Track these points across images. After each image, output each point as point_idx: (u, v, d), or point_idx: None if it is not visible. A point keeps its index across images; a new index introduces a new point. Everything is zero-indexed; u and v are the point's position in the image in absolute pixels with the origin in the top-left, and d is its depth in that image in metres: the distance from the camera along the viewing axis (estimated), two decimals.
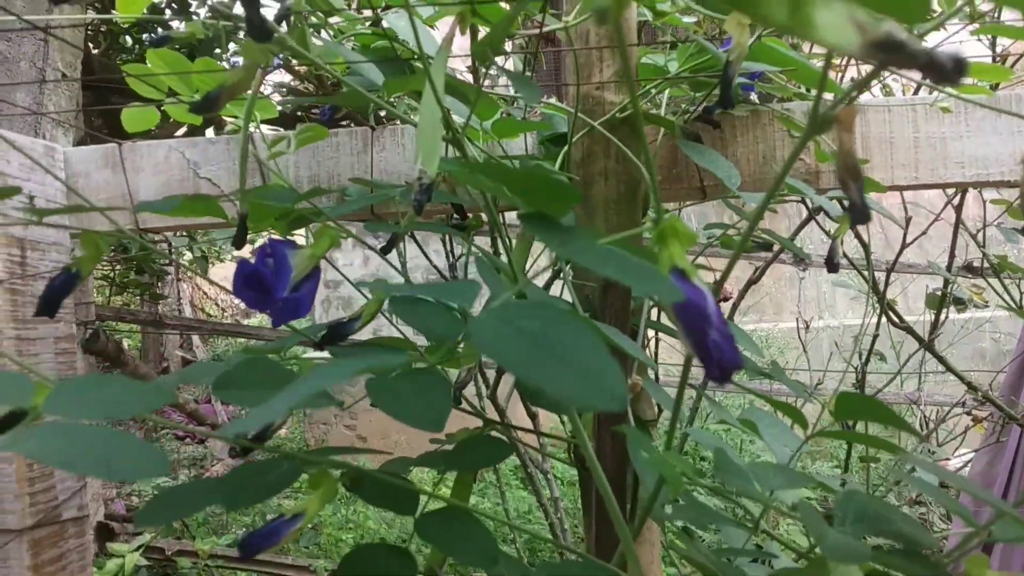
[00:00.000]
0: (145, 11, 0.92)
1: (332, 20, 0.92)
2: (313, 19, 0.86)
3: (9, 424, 0.45)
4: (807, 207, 1.90)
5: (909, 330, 1.88)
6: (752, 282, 2.01)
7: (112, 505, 3.47)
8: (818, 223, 1.91)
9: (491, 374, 1.80)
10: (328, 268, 1.30)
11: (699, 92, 0.97)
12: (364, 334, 0.69)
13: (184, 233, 3.06)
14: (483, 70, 1.10)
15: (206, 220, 1.03)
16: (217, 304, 8.04)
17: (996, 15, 1.34)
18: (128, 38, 3.49)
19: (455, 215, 0.98)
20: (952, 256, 1.95)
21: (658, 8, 0.82)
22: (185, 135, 2.99)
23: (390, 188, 0.86)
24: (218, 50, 3.18)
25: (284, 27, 0.68)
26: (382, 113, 1.68)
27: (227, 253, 2.90)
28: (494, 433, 0.80)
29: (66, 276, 0.65)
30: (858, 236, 1.75)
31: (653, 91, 0.94)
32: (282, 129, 1.02)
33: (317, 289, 0.64)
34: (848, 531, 0.50)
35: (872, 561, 0.46)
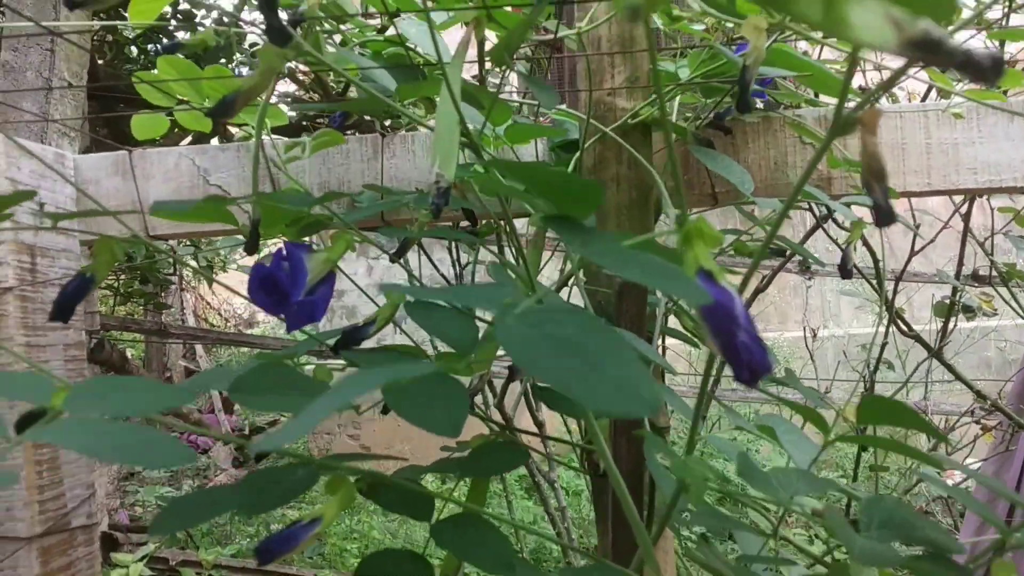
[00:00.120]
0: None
1: (343, 27, 0.92)
2: (326, 25, 0.85)
3: (29, 423, 0.45)
4: (814, 215, 1.90)
5: (918, 338, 1.87)
6: (759, 291, 2.00)
7: (116, 515, 3.46)
8: (825, 231, 1.90)
9: (498, 383, 1.80)
10: None
11: (710, 98, 0.97)
12: (367, 342, 0.69)
13: (189, 242, 3.06)
14: (493, 75, 1.10)
15: (216, 227, 1.03)
16: (220, 314, 8.04)
17: (1004, 22, 1.34)
18: (134, 48, 3.50)
19: (466, 221, 0.97)
20: (960, 264, 1.94)
21: (674, 14, 0.81)
22: (191, 144, 2.99)
23: (402, 194, 0.86)
24: (223, 60, 3.19)
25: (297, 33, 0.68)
26: (387, 123, 1.68)
27: (232, 263, 2.90)
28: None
29: (80, 281, 0.65)
30: (867, 244, 1.75)
31: (665, 97, 0.94)
32: (286, 139, 1.02)
33: (332, 293, 0.64)
34: (874, 536, 0.50)
35: (902, 566, 0.46)
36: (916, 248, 1.84)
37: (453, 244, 2.06)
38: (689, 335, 0.90)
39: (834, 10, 0.27)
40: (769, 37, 0.69)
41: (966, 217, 1.82)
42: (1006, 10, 1.31)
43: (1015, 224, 1.82)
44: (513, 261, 1.18)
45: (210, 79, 0.92)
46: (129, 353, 4.17)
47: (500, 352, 0.87)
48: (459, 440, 0.80)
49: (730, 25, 0.92)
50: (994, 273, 2.01)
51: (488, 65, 0.81)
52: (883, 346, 1.81)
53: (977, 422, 2.18)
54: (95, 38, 3.43)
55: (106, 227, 0.99)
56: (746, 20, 0.63)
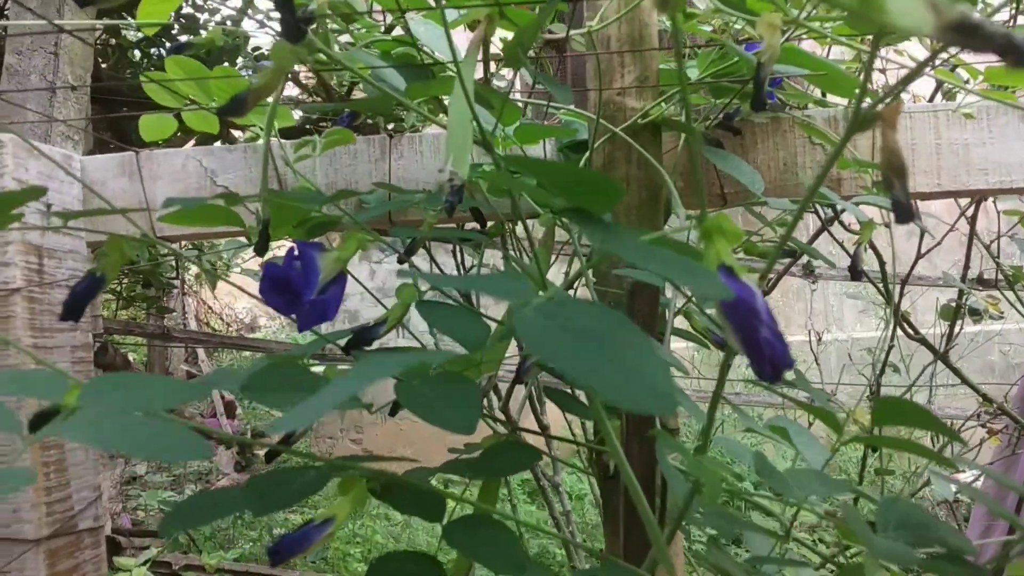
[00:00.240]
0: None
1: (351, 27, 0.92)
2: (333, 25, 0.85)
3: (43, 421, 0.44)
4: (819, 217, 1.90)
5: (923, 342, 1.86)
6: (764, 294, 1.99)
7: (118, 519, 3.45)
8: (830, 233, 1.90)
9: (502, 386, 1.80)
10: None
11: (719, 99, 0.97)
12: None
13: (191, 246, 3.06)
14: (497, 77, 1.09)
15: (222, 229, 1.03)
16: (222, 318, 8.03)
17: (1012, 23, 1.33)
18: (137, 52, 3.51)
19: (474, 222, 0.97)
20: (966, 268, 1.94)
21: (688, 11, 0.81)
22: (195, 146, 2.99)
23: (411, 194, 0.86)
24: (227, 63, 3.19)
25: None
26: (390, 125, 1.67)
27: (236, 266, 2.90)
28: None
29: (90, 281, 0.64)
30: (873, 248, 1.75)
31: (675, 97, 0.93)
32: (290, 141, 1.02)
33: (344, 292, 0.64)
34: (891, 537, 0.49)
35: (919, 566, 0.45)
36: (923, 251, 1.84)
37: (457, 248, 2.06)
38: (699, 336, 0.90)
39: None
40: (783, 36, 0.68)
41: (972, 220, 1.82)
42: (1013, 11, 1.31)
43: (1021, 227, 1.81)
44: (518, 261, 1.18)
45: (218, 78, 0.92)
46: (131, 357, 4.16)
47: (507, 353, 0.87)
48: (467, 442, 0.80)
49: (738, 26, 0.92)
50: (999, 276, 2.01)
51: (493, 67, 0.80)
52: (888, 349, 1.81)
53: (983, 426, 2.17)
54: (98, 41, 3.43)
55: (113, 228, 0.99)
56: (760, 17, 0.62)
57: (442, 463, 0.74)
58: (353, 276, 0.76)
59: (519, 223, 0.86)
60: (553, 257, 1.12)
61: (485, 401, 2.09)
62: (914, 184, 1.00)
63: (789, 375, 0.88)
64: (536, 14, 0.72)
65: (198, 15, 3.60)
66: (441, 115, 1.01)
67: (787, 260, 1.79)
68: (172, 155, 1.03)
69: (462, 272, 2.14)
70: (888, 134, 0.47)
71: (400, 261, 1.00)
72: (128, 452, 0.39)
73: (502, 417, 1.66)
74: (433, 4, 0.78)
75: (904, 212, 0.47)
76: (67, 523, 0.91)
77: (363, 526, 3.60)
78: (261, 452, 5.18)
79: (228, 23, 3.24)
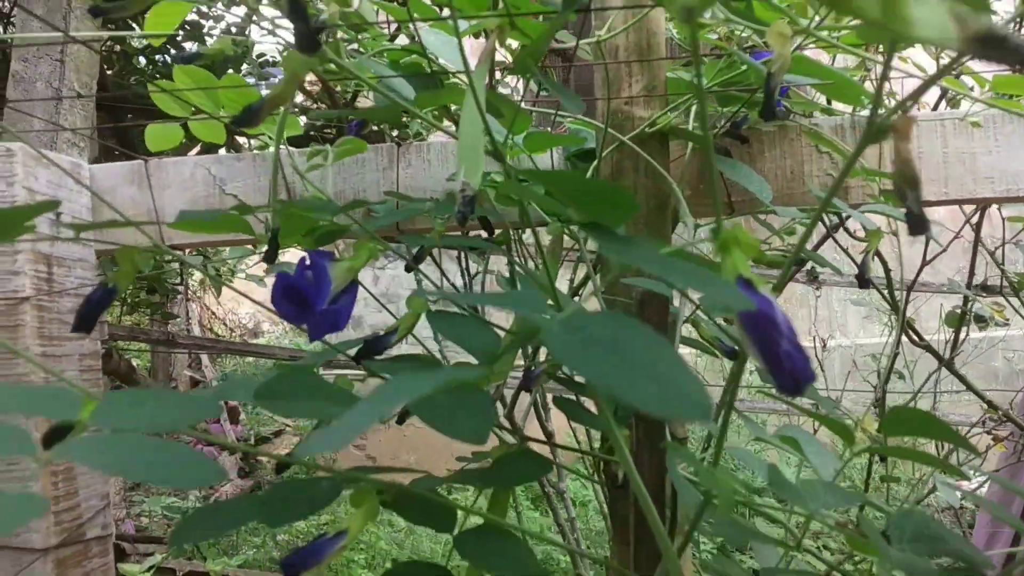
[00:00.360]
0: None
1: (360, 36, 0.92)
2: (342, 34, 0.85)
3: (56, 438, 0.44)
4: (824, 224, 1.90)
5: (929, 349, 1.86)
6: None
7: (122, 525, 3.45)
8: (835, 239, 1.90)
9: (507, 392, 1.79)
10: None
11: (727, 107, 0.97)
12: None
13: (196, 251, 3.06)
14: (502, 84, 1.09)
15: (231, 236, 1.03)
16: (225, 324, 8.04)
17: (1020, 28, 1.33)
18: (142, 59, 3.51)
19: (482, 230, 0.97)
20: (971, 274, 1.94)
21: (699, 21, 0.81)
22: (199, 154, 3.00)
23: (420, 202, 0.86)
24: (231, 70, 3.20)
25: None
26: (395, 133, 1.68)
27: (241, 274, 2.90)
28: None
29: (103, 292, 0.64)
30: (878, 255, 1.74)
31: (683, 106, 0.93)
32: (295, 149, 1.02)
33: (355, 302, 0.64)
34: (906, 549, 0.49)
35: None
36: (928, 258, 1.84)
37: (462, 254, 2.06)
38: (706, 344, 0.90)
39: (895, 6, 0.27)
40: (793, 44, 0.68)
41: (977, 227, 1.82)
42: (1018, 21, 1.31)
43: None
44: (526, 269, 1.18)
45: (226, 88, 0.92)
46: (135, 363, 4.17)
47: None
48: (474, 450, 0.80)
49: (744, 34, 0.92)
50: (1004, 283, 2.01)
51: (498, 74, 0.80)
52: (894, 356, 1.81)
53: (988, 433, 2.17)
54: (103, 48, 3.44)
55: (122, 237, 0.99)
56: (771, 27, 0.63)
57: (451, 472, 0.74)
58: (362, 285, 0.76)
59: (525, 230, 0.86)
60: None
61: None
62: (922, 192, 1.00)
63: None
64: (545, 24, 0.72)
65: (203, 21, 3.61)
66: (446, 122, 1.01)
67: (798, 266, 1.79)
68: (181, 163, 1.03)
69: (467, 277, 2.14)
70: (901, 145, 0.47)
71: (408, 269, 1.00)
72: (137, 478, 0.39)
73: (507, 425, 1.66)
74: (443, 14, 0.78)
75: (918, 223, 0.47)
76: (75, 532, 0.91)
77: (367, 532, 3.60)
78: (265, 458, 5.17)
79: (233, 30, 3.24)
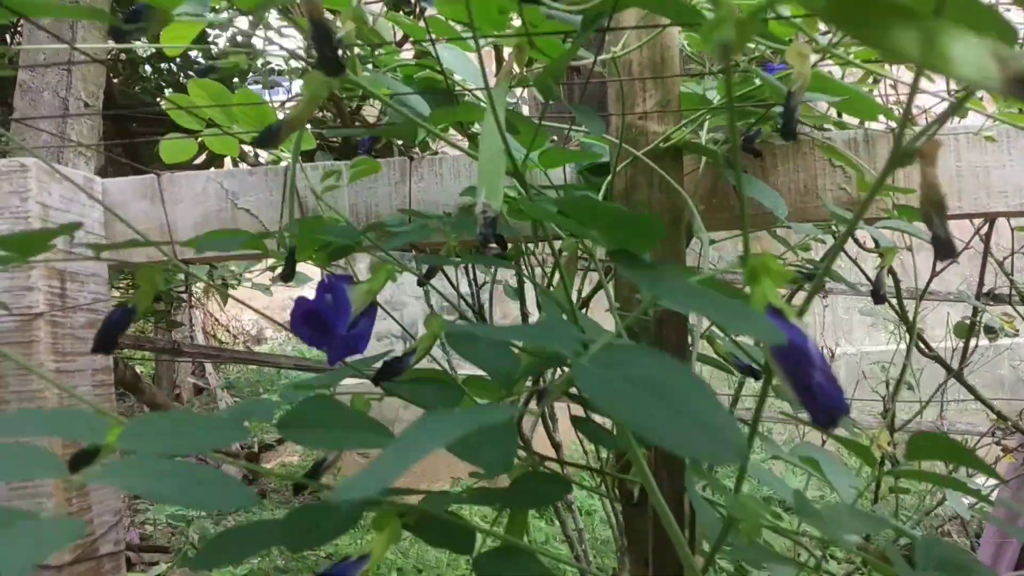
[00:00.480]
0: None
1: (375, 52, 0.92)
2: (358, 50, 0.85)
3: (83, 460, 0.44)
4: (834, 236, 1.89)
5: (938, 359, 1.86)
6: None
7: (127, 534, 3.45)
8: (845, 251, 1.89)
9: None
10: None
11: (740, 121, 0.96)
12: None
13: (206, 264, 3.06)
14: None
15: (243, 251, 1.03)
16: (228, 330, 8.04)
17: None
18: (147, 67, 3.52)
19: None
20: (980, 285, 1.93)
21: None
22: (202, 165, 3.00)
23: (435, 219, 0.86)
24: (236, 79, 3.20)
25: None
26: (398, 141, 1.67)
27: (247, 282, 2.90)
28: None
29: (122, 312, 0.64)
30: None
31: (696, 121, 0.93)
32: (306, 164, 1.02)
33: (374, 324, 0.63)
34: None
35: None
36: (938, 269, 1.83)
37: (469, 264, 2.06)
38: (722, 361, 0.89)
39: (934, 46, 0.26)
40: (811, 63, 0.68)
41: (986, 237, 1.81)
42: None
43: None
44: (534, 281, 1.18)
45: (241, 105, 0.92)
46: (139, 370, 4.17)
47: None
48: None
49: (759, 48, 0.92)
50: (1013, 292, 2.00)
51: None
52: (904, 367, 1.80)
53: (998, 443, 2.16)
54: (109, 56, 3.45)
55: (134, 251, 0.99)
56: (790, 47, 0.62)
57: (454, 479, 0.74)
58: (377, 303, 0.76)
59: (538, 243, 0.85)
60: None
61: None
62: None
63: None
64: (559, 41, 0.72)
65: (208, 30, 3.62)
66: (453, 132, 1.01)
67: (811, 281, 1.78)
68: (193, 178, 1.03)
69: (475, 287, 2.14)
70: (928, 170, 0.47)
71: (420, 284, 1.00)
72: (171, 501, 0.39)
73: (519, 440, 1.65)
74: (460, 32, 0.78)
75: (944, 247, 0.47)
76: (89, 548, 0.91)
77: (372, 540, 3.59)
78: (269, 464, 5.17)
79: (239, 38, 3.25)
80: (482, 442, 0.51)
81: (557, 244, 0.88)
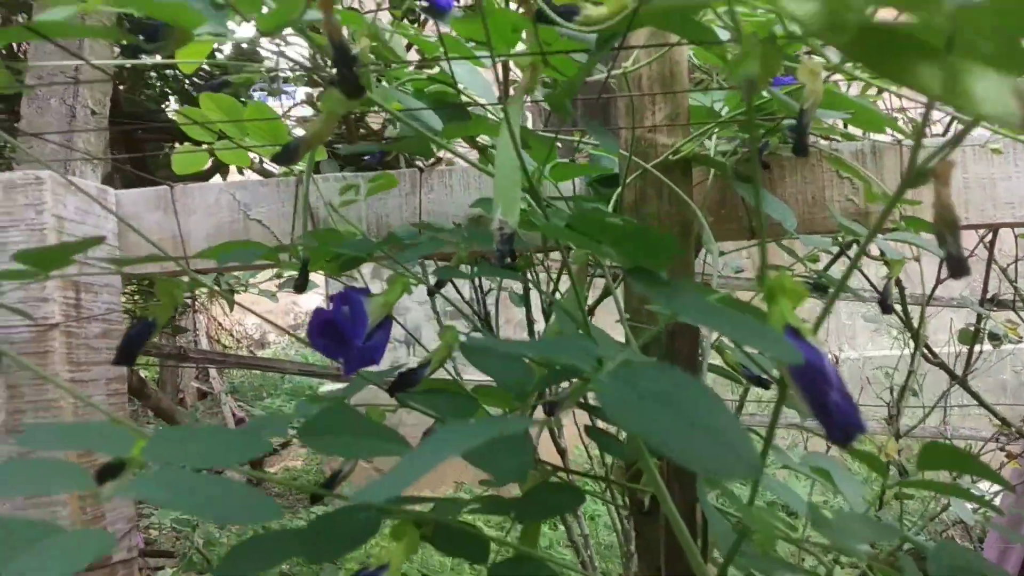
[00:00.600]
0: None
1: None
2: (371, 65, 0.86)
3: (109, 473, 0.45)
4: (838, 243, 1.90)
5: (943, 367, 1.86)
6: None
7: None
8: (848, 256, 1.90)
9: None
10: None
11: (748, 134, 0.97)
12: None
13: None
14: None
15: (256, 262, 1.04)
16: (232, 335, 8.06)
17: None
18: (153, 74, 3.54)
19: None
20: (984, 291, 1.94)
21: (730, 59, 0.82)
22: (208, 173, 3.01)
23: (447, 231, 0.87)
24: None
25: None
26: (395, 154, 1.68)
27: (253, 288, 2.91)
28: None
29: (143, 326, 0.65)
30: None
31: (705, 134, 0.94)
32: (317, 176, 1.03)
33: (389, 336, 0.64)
34: None
35: None
36: (942, 277, 1.84)
37: (472, 269, 2.06)
38: (732, 371, 0.90)
39: (957, 83, 0.27)
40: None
41: (991, 245, 1.82)
42: None
43: None
44: (541, 289, 1.19)
45: (254, 120, 0.93)
46: (143, 374, 4.18)
47: None
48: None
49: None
50: (1016, 299, 2.01)
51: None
52: (909, 374, 1.81)
53: (1002, 449, 2.17)
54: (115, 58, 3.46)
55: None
56: (801, 65, 0.63)
57: (458, 484, 0.74)
58: (393, 317, 0.77)
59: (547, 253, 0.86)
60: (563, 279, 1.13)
61: None
62: None
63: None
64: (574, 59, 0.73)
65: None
66: (460, 142, 1.02)
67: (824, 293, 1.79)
68: (206, 189, 1.04)
69: (480, 293, 2.15)
70: (941, 190, 0.48)
71: (430, 293, 1.01)
72: (200, 515, 0.39)
73: None
74: (472, 49, 0.79)
75: (958, 266, 0.48)
76: (102, 556, 0.92)
77: (375, 544, 3.59)
78: (273, 468, 5.18)
79: (244, 45, 3.26)
80: (498, 451, 0.52)
81: (565, 252, 0.89)
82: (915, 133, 0.45)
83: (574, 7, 0.58)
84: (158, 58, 0.63)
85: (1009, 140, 1.00)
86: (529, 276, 1.28)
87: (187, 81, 3.57)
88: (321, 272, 0.92)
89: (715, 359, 1.01)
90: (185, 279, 0.81)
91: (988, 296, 2.08)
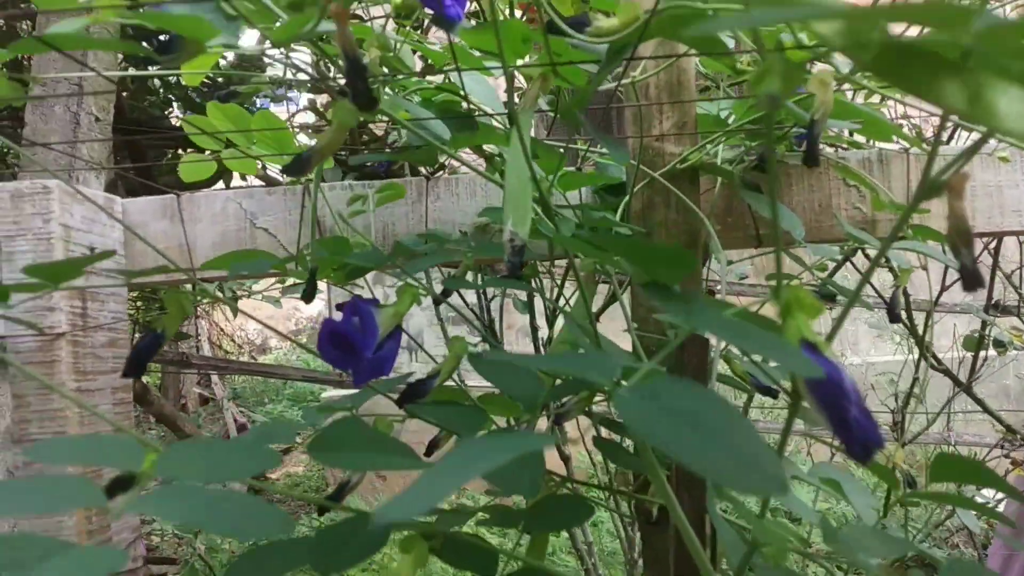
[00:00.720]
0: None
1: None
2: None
3: (119, 487, 0.45)
4: (841, 250, 1.90)
5: (948, 373, 1.86)
6: None
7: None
8: (853, 264, 1.90)
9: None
10: None
11: (755, 142, 0.97)
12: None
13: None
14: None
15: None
16: (233, 340, 8.06)
17: None
18: (156, 81, 3.54)
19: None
20: (989, 298, 1.94)
21: (738, 67, 0.82)
22: (213, 179, 3.02)
23: (454, 242, 0.87)
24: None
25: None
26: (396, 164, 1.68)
27: (256, 294, 2.91)
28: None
29: (151, 338, 0.65)
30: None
31: (712, 143, 0.94)
32: (324, 184, 1.03)
33: (399, 347, 0.64)
34: None
35: None
36: (947, 284, 1.84)
37: (479, 277, 2.06)
38: (740, 380, 0.90)
39: (981, 100, 0.27)
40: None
41: (995, 252, 1.82)
42: None
43: None
44: (545, 296, 1.19)
45: (261, 130, 0.93)
46: (145, 379, 4.18)
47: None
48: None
49: None
50: (1021, 305, 2.01)
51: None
52: (914, 381, 1.80)
53: (1007, 455, 2.16)
54: (119, 63, 3.46)
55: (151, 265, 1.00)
56: (812, 75, 0.63)
57: (491, 509, 0.74)
58: (402, 328, 0.77)
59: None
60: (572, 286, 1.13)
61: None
62: (947, 225, 1.01)
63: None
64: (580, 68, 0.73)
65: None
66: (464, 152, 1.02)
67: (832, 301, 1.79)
68: (212, 197, 1.04)
69: (484, 300, 2.15)
70: (955, 203, 0.48)
71: (436, 302, 1.01)
72: (212, 530, 0.39)
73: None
74: (480, 59, 0.79)
75: (971, 278, 0.48)
76: None
77: (379, 552, 3.58)
78: (274, 475, 5.17)
79: (246, 54, 3.27)
80: (512, 466, 0.51)
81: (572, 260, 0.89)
82: (931, 146, 0.45)
83: (585, 18, 0.58)
84: (167, 69, 0.63)
85: (1015, 148, 1.00)
86: (533, 283, 1.28)
87: (190, 88, 3.58)
88: (326, 279, 0.92)
89: (721, 367, 1.01)
90: (190, 288, 0.81)
91: (992, 302, 2.08)
